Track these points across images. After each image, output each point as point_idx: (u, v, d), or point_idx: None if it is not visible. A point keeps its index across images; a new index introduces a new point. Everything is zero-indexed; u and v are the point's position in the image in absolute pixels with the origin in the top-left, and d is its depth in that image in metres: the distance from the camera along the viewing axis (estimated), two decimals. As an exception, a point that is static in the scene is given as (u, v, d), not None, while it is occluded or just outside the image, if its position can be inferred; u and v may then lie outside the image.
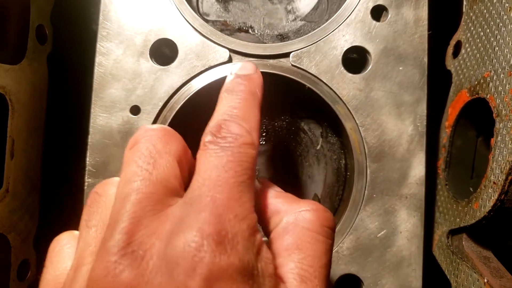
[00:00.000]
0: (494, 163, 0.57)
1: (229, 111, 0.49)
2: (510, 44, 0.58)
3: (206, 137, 0.45)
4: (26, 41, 0.61)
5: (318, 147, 0.72)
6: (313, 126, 0.72)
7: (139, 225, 0.39)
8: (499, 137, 0.57)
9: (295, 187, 0.73)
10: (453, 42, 0.73)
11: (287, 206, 0.47)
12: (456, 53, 0.72)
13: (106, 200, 0.45)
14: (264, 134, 0.72)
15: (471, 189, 0.69)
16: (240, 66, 0.56)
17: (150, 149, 0.44)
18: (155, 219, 0.40)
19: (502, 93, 0.58)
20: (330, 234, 0.45)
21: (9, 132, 0.57)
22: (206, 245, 0.37)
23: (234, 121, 0.47)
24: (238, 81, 0.54)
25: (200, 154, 0.45)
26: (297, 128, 0.72)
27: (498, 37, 0.61)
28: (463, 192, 0.68)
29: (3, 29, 0.56)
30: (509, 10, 0.59)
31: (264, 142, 0.72)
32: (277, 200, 0.49)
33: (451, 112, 0.70)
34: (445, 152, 0.70)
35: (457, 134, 0.70)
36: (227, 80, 0.55)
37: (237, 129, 0.45)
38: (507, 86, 0.57)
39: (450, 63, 0.73)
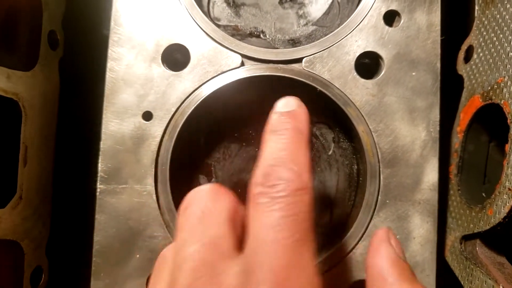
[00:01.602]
0: (509, 169, 0.57)
1: (275, 154, 0.46)
2: (525, 49, 0.58)
3: (255, 189, 0.43)
4: (39, 47, 0.61)
5: (330, 152, 0.71)
6: (325, 131, 0.72)
7: None
8: (514, 143, 0.57)
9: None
10: (464, 47, 0.73)
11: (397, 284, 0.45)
12: (467, 58, 0.72)
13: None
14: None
15: (483, 194, 0.68)
16: (283, 103, 0.53)
17: (201, 210, 0.44)
18: None
19: (517, 99, 0.57)
20: None
21: (22, 139, 0.57)
22: None
23: (282, 165, 0.44)
24: (282, 120, 0.50)
25: (250, 210, 0.43)
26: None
27: (511, 42, 0.61)
28: (476, 198, 0.68)
29: (16, 36, 0.56)
30: (523, 16, 0.59)
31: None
32: (390, 268, 0.47)
33: (463, 117, 0.70)
34: (457, 158, 0.70)
35: (469, 139, 0.70)
36: (270, 121, 0.52)
37: (286, 174, 0.43)
38: (522, 91, 0.57)
39: (462, 68, 0.73)
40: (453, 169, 0.71)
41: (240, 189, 0.71)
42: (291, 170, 0.43)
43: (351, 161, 0.71)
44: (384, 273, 0.46)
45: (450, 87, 0.71)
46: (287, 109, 0.52)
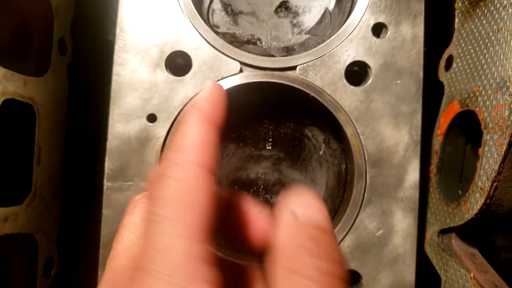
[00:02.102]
0: (482, 170, 0.63)
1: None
2: (497, 63, 0.64)
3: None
4: (50, 54, 0.65)
5: (321, 152, 0.77)
6: (316, 133, 0.77)
7: None
8: (486, 147, 0.63)
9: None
10: (445, 56, 0.79)
11: None
12: (448, 66, 0.78)
13: None
14: (270, 140, 0.77)
15: (459, 192, 0.75)
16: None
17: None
18: None
19: (490, 107, 0.64)
20: None
21: (36, 141, 0.61)
22: None
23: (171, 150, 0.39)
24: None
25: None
26: (301, 134, 0.78)
27: (486, 55, 0.67)
28: (453, 195, 0.74)
29: (30, 44, 0.59)
30: (497, 32, 0.65)
31: (270, 147, 0.77)
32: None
33: (443, 121, 0.77)
34: (437, 158, 0.76)
35: (448, 141, 0.76)
36: None
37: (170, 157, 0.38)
38: (494, 101, 0.63)
39: (443, 75, 0.79)
40: (433, 168, 0.77)
41: (236, 186, 0.77)
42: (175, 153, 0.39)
43: (340, 160, 0.77)
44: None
45: (432, 93, 0.77)
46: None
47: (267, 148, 0.77)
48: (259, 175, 0.77)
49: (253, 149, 0.77)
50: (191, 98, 0.69)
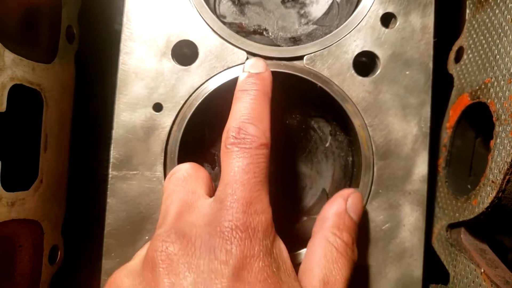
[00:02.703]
0: (493, 163, 0.62)
1: (245, 111, 0.58)
2: (510, 53, 0.62)
3: (228, 140, 0.55)
4: (58, 41, 0.65)
5: (327, 144, 0.76)
6: (323, 124, 0.76)
7: (181, 218, 0.51)
8: (498, 140, 0.62)
9: (304, 182, 0.78)
10: (455, 48, 0.78)
11: None
12: (458, 59, 0.77)
13: None
14: (275, 131, 0.76)
15: (469, 186, 0.73)
16: (252, 63, 0.64)
17: (184, 174, 0.59)
18: (191, 215, 0.52)
19: (502, 99, 0.62)
20: None
21: (43, 127, 0.61)
22: (235, 233, 0.48)
23: (251, 122, 0.56)
24: (251, 81, 0.61)
25: (224, 156, 0.55)
26: (307, 126, 0.77)
27: (499, 45, 0.65)
28: (462, 189, 0.73)
29: (38, 31, 0.60)
30: (510, 21, 0.64)
31: (275, 139, 0.76)
32: (332, 216, 0.62)
33: (452, 114, 0.75)
34: (445, 152, 0.75)
35: (457, 134, 0.74)
36: (241, 78, 0.63)
37: (254, 131, 0.55)
38: (507, 92, 0.61)
39: (452, 68, 0.78)
40: (441, 162, 0.76)
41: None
42: (257, 128, 0.56)
43: (346, 153, 0.76)
44: (325, 217, 0.59)
45: (441, 85, 0.76)
46: (255, 70, 0.63)
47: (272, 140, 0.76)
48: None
49: (259, 140, 0.76)
50: (197, 88, 0.69)
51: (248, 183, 0.51)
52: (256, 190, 0.51)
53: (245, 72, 0.63)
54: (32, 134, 0.61)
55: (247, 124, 0.56)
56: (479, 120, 0.72)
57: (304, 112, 0.77)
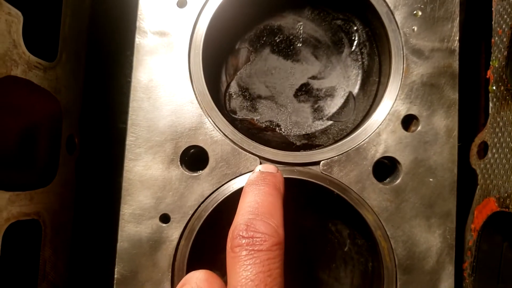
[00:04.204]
0: (527, 289, 0.57)
1: (254, 207, 0.50)
2: (543, 168, 0.58)
3: (234, 240, 0.47)
4: (58, 155, 0.60)
5: (346, 248, 0.72)
6: (341, 227, 0.72)
7: None
8: (532, 264, 0.57)
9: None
10: (478, 141, 0.74)
11: None
12: (481, 154, 0.73)
13: None
14: (290, 235, 0.72)
15: (497, 295, 0.69)
16: (264, 166, 0.61)
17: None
18: None
19: (535, 218, 0.58)
20: None
21: (42, 255, 0.56)
22: None
23: (261, 218, 0.48)
24: (262, 176, 0.56)
25: (230, 261, 0.47)
26: (324, 229, 0.72)
27: (529, 155, 0.61)
28: (490, 299, 0.68)
29: (38, 150, 0.55)
30: (541, 132, 0.60)
31: (290, 243, 0.72)
32: None
33: (477, 216, 0.71)
34: (471, 256, 0.70)
35: (483, 238, 0.70)
36: (250, 176, 0.58)
37: (264, 228, 0.47)
38: (540, 212, 0.57)
39: (475, 163, 0.73)
40: (466, 267, 0.71)
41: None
42: (268, 224, 0.47)
43: (366, 258, 0.71)
44: None
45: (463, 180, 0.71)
46: (267, 170, 0.58)
47: (286, 243, 0.71)
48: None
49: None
50: (207, 197, 0.65)
51: None
52: None
53: (256, 171, 0.59)
54: (31, 262, 0.57)
55: (257, 220, 0.48)
56: (506, 225, 0.68)
57: (321, 215, 0.72)
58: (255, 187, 0.54)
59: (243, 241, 0.46)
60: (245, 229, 0.47)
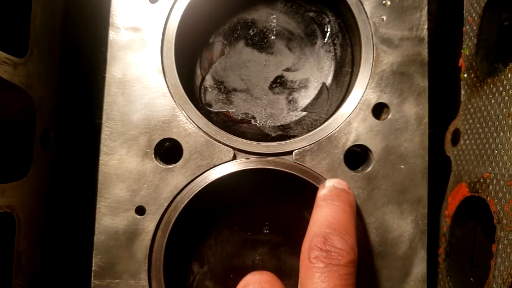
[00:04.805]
0: (496, 271, 0.58)
1: (331, 222, 0.51)
2: (509, 152, 0.59)
3: (312, 251, 0.47)
4: (32, 151, 0.61)
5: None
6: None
7: None
8: (500, 246, 0.58)
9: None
10: (451, 128, 0.75)
11: None
12: (454, 141, 0.74)
13: None
14: (267, 224, 0.73)
15: (471, 279, 0.70)
16: (336, 181, 0.60)
17: None
18: None
19: (503, 200, 0.59)
20: None
21: (16, 247, 0.57)
22: None
23: (338, 234, 0.49)
24: (337, 192, 0.57)
25: (306, 270, 0.47)
26: (301, 217, 0.73)
27: (497, 140, 0.62)
28: (464, 283, 0.69)
29: (10, 146, 0.56)
30: (508, 117, 0.61)
31: (267, 231, 0.73)
32: None
33: (451, 202, 0.72)
34: (445, 242, 0.71)
35: (457, 224, 0.71)
36: (323, 190, 0.58)
37: (341, 244, 0.48)
38: (507, 195, 0.58)
39: (449, 150, 0.74)
40: (441, 252, 0.72)
41: (232, 274, 0.72)
42: (345, 241, 0.48)
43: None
44: None
45: (437, 166, 0.72)
46: (340, 186, 0.59)
47: (264, 232, 0.72)
48: (256, 262, 0.72)
49: (249, 233, 0.72)
50: (182, 189, 0.65)
51: None
52: None
53: (329, 186, 0.59)
54: (4, 254, 0.57)
55: (334, 235, 0.49)
56: (479, 210, 0.69)
57: (297, 203, 0.73)
58: (330, 202, 0.55)
59: (321, 254, 0.47)
60: (323, 241, 0.48)
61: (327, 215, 0.52)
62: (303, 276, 0.47)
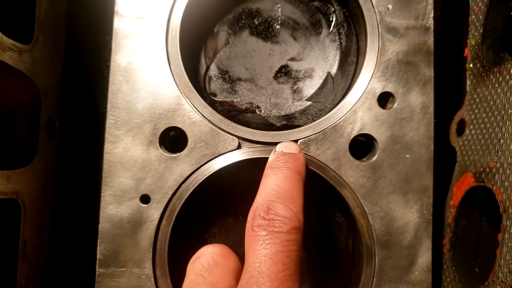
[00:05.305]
0: (502, 260, 0.58)
1: (276, 190, 0.51)
2: (516, 141, 0.59)
3: (255, 220, 0.48)
4: (37, 138, 0.61)
5: (326, 226, 0.72)
6: (321, 206, 0.73)
7: None
8: (506, 235, 0.58)
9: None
10: (457, 119, 0.74)
11: None
12: (460, 131, 0.73)
13: None
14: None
15: (476, 269, 0.70)
16: (285, 145, 0.60)
17: (209, 261, 0.50)
18: None
19: (509, 189, 0.59)
20: None
21: (21, 235, 0.57)
22: None
23: (282, 202, 0.49)
24: (284, 159, 0.56)
25: (249, 239, 0.48)
26: (306, 209, 0.73)
27: (503, 129, 0.62)
28: (469, 273, 0.69)
29: (16, 133, 0.56)
30: (514, 106, 0.60)
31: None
32: None
33: (456, 192, 0.71)
34: (450, 232, 0.71)
35: (462, 214, 0.71)
36: (271, 157, 0.58)
37: (284, 212, 0.48)
38: (513, 184, 0.58)
39: (454, 140, 0.74)
40: (446, 243, 0.72)
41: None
42: (289, 208, 0.48)
43: (346, 236, 0.72)
44: None
45: (442, 156, 0.72)
46: (289, 151, 0.58)
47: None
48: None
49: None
50: (186, 178, 0.65)
51: (277, 278, 0.43)
52: (286, 287, 0.43)
53: (277, 152, 0.59)
54: (10, 241, 0.57)
55: (278, 203, 0.49)
56: (484, 200, 0.69)
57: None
58: (276, 170, 0.55)
59: (264, 222, 0.47)
60: (266, 211, 0.48)
61: (272, 183, 0.52)
62: (247, 246, 0.47)
